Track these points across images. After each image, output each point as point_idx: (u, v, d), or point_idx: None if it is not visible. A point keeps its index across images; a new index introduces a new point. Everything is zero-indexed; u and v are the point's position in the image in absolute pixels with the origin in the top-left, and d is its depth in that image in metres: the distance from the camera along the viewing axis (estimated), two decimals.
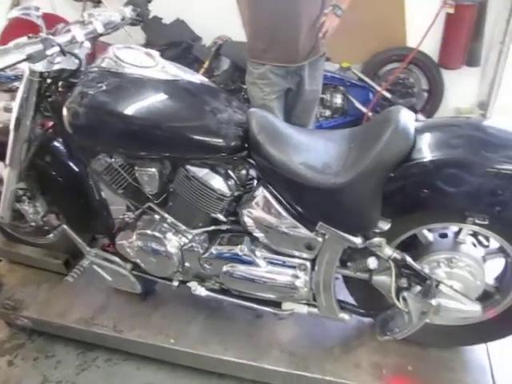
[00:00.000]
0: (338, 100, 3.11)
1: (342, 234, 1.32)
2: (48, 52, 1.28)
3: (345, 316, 1.53)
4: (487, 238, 1.40)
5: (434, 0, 2.91)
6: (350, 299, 1.60)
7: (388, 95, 3.04)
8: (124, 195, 1.61)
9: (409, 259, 1.34)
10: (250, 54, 2.22)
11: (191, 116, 1.39)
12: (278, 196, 1.39)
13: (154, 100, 1.37)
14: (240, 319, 1.79)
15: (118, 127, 1.37)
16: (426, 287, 1.30)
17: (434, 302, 1.25)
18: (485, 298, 1.45)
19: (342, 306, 1.55)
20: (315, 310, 1.55)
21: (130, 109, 1.34)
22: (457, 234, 1.41)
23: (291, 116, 2.43)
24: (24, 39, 1.35)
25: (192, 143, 1.38)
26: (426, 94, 3.23)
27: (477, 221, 1.21)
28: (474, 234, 1.42)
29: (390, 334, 1.38)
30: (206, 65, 3.34)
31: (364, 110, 3.05)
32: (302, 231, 1.37)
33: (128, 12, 1.64)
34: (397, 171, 1.22)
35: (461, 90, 3.22)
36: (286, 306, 1.57)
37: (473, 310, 1.34)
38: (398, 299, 1.35)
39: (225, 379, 1.76)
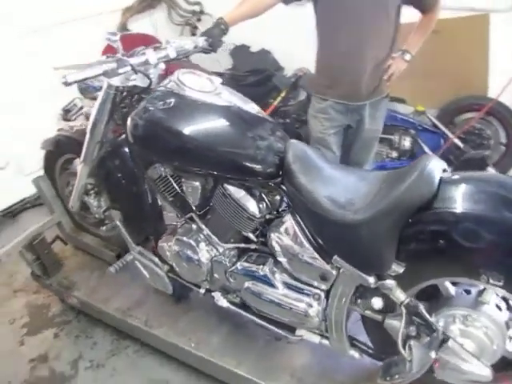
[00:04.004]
0: (407, 143, 3.07)
1: (355, 270, 1.35)
2: (120, 70, 1.50)
3: (355, 354, 1.54)
4: None
5: None
6: (366, 339, 1.60)
7: (460, 144, 2.95)
8: (172, 203, 1.78)
9: (421, 308, 1.33)
10: (315, 88, 2.32)
11: (233, 140, 1.51)
12: (302, 225, 1.46)
13: (204, 122, 1.53)
14: (259, 339, 1.86)
15: (169, 141, 1.53)
16: (432, 339, 1.28)
17: (433, 354, 1.23)
18: (503, 365, 1.38)
19: (354, 343, 1.55)
20: (327, 342, 1.57)
21: (181, 127, 1.50)
22: (480, 292, 1.37)
23: (350, 152, 2.47)
24: (104, 58, 1.58)
25: (231, 164, 1.50)
26: (503, 148, 3.07)
27: (491, 280, 1.18)
28: (505, 298, 1.37)
29: (389, 379, 1.36)
30: (283, 94, 3.50)
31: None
32: (319, 262, 1.42)
33: (201, 41, 1.83)
34: (416, 217, 1.24)
35: None
36: (300, 332, 1.61)
37: (482, 374, 1.28)
38: (404, 346, 1.34)
39: None
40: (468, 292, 1.40)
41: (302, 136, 2.98)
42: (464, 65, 3.00)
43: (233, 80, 3.71)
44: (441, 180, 1.25)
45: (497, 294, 1.34)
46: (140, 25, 3.52)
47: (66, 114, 3.25)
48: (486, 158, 2.78)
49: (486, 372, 1.28)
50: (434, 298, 1.45)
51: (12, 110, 2.81)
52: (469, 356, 1.29)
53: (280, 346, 1.82)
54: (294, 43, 3.62)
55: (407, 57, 2.23)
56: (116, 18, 3.41)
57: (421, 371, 1.27)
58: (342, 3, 2.03)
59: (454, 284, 1.41)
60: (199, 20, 3.66)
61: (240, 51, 3.77)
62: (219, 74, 3.90)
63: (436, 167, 1.26)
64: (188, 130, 1.50)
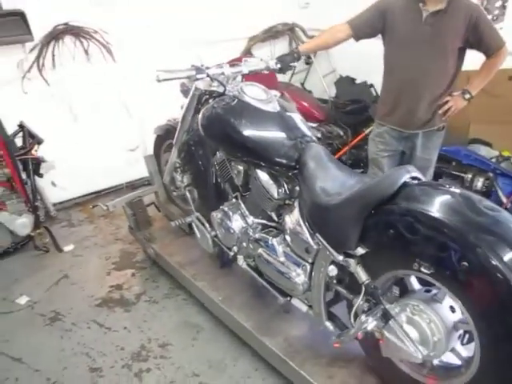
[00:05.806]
0: (479, 183, 3.10)
1: (328, 246, 1.66)
2: (198, 76, 2.06)
3: (330, 326, 1.82)
4: None
5: None
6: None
7: None
8: (227, 184, 2.29)
9: (377, 290, 1.58)
10: (377, 115, 2.63)
11: (268, 136, 1.94)
12: (303, 208, 1.82)
13: (250, 120, 1.97)
14: (272, 308, 2.21)
15: (223, 132, 2.03)
16: (375, 312, 1.53)
17: (363, 317, 1.49)
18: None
19: (332, 317, 1.84)
20: (311, 312, 1.89)
21: (233, 122, 1.98)
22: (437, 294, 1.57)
23: None
24: (189, 66, 2.16)
25: (262, 154, 1.93)
26: None
27: (422, 269, 1.40)
28: None
29: (336, 339, 1.63)
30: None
31: (504, 200, 2.98)
32: (306, 238, 1.77)
33: (272, 64, 2.32)
34: (377, 209, 1.51)
35: None
36: (294, 301, 1.96)
37: (413, 355, 1.47)
38: (356, 318, 1.61)
39: (245, 347, 2.21)
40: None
41: None
42: None
43: (335, 106, 4.13)
44: (404, 183, 1.51)
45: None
46: (262, 52, 4.17)
47: None
48: None
49: (418, 354, 1.47)
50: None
51: (145, 106, 3.65)
52: (406, 338, 1.50)
53: (285, 317, 2.16)
54: None
55: (467, 96, 2.42)
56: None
57: (355, 333, 1.53)
58: (405, 42, 2.34)
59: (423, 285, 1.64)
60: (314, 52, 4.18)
61: (344, 82, 4.17)
62: (324, 101, 4.36)
63: (403, 174, 1.52)
64: (237, 124, 1.98)
